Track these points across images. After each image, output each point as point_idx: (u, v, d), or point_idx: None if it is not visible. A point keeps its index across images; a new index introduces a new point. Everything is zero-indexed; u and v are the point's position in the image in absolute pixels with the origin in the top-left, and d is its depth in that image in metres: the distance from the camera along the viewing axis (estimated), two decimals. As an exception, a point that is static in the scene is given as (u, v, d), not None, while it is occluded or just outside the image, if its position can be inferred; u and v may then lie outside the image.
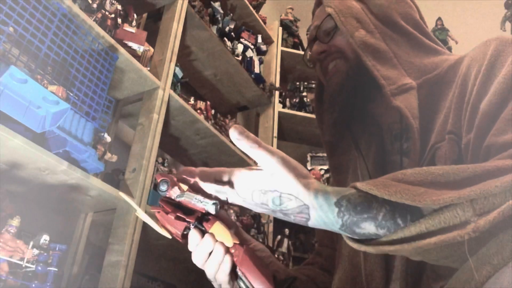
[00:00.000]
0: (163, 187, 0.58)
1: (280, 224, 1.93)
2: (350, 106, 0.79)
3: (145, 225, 1.16)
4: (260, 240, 1.78)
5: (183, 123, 1.55)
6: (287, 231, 1.98)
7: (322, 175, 2.28)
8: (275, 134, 2.12)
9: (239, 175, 0.54)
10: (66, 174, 1.00)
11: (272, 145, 2.07)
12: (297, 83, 2.39)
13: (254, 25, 2.18)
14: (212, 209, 0.55)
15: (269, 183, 0.52)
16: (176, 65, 1.48)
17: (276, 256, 1.90)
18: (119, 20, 1.29)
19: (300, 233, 2.17)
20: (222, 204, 0.58)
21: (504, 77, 0.59)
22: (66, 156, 0.99)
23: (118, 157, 1.17)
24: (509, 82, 0.58)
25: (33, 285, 0.87)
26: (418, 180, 0.47)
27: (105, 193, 1.11)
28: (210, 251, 0.57)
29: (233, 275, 0.57)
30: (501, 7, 2.06)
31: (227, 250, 0.56)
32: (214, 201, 0.56)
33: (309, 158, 2.38)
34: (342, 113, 0.79)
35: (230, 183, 0.55)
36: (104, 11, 1.24)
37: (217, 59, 1.90)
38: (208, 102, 1.72)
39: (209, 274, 0.59)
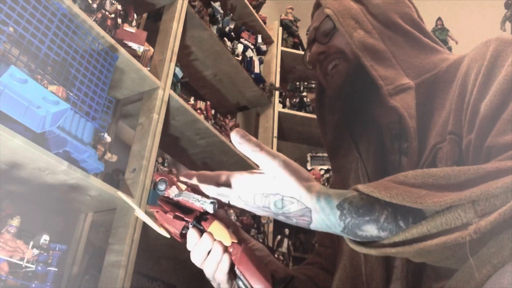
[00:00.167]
0: (161, 187, 0.58)
1: (280, 224, 1.93)
2: (350, 108, 0.79)
3: (145, 225, 1.16)
4: (260, 240, 1.78)
5: (183, 123, 1.55)
6: (287, 231, 1.98)
7: (322, 175, 2.28)
8: (275, 134, 2.12)
9: (240, 178, 0.54)
10: (66, 174, 1.00)
11: (272, 145, 2.07)
12: (297, 83, 2.39)
13: (254, 25, 2.18)
14: (210, 208, 0.56)
15: (271, 186, 0.52)
16: (176, 65, 1.48)
17: (276, 256, 1.90)
18: (119, 20, 1.29)
19: (300, 233, 2.17)
20: (222, 206, 0.58)
21: (504, 78, 0.59)
22: (66, 156, 0.99)
23: (118, 157, 1.17)
24: (510, 83, 0.58)
25: (33, 285, 0.87)
26: (419, 182, 0.48)
27: (105, 193, 1.11)
28: (208, 250, 0.57)
29: (232, 274, 0.57)
30: (501, 7, 2.06)
31: (225, 249, 0.57)
32: (212, 200, 0.56)
33: (309, 158, 2.38)
34: (343, 114, 0.80)
35: (231, 186, 0.55)
36: (104, 11, 1.24)
37: (217, 59, 1.90)
38: (208, 102, 1.72)
39: (208, 273, 0.59)
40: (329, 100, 0.81)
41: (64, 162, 0.97)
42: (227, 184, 0.55)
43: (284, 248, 1.95)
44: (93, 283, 1.25)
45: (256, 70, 2.06)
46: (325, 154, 2.30)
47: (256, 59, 2.08)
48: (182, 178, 0.59)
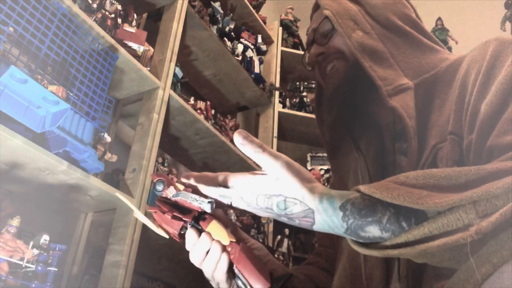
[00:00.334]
0: (159, 187, 0.59)
1: (280, 224, 1.93)
2: (349, 107, 0.79)
3: (145, 225, 1.16)
4: (260, 240, 1.78)
5: (183, 123, 1.55)
6: (287, 231, 1.98)
7: (322, 175, 2.28)
8: (275, 134, 2.12)
9: (243, 179, 0.54)
10: (66, 174, 1.00)
11: (272, 145, 2.07)
12: (297, 83, 2.39)
13: (254, 25, 2.18)
14: (207, 208, 0.56)
15: (273, 187, 0.52)
16: (176, 65, 1.48)
17: (276, 256, 1.90)
18: (119, 20, 1.29)
19: (300, 233, 2.17)
20: (224, 207, 0.58)
21: (504, 78, 0.59)
22: (66, 156, 0.99)
23: (118, 157, 1.17)
24: (510, 83, 0.58)
25: (33, 285, 0.87)
26: (420, 183, 0.48)
27: (105, 193, 1.11)
28: (207, 250, 0.57)
29: (231, 273, 0.58)
30: (501, 7, 2.06)
31: (224, 248, 0.57)
32: (210, 200, 0.56)
33: (309, 158, 2.38)
34: (341, 114, 0.80)
35: (234, 188, 0.55)
36: (104, 11, 1.24)
37: (217, 59, 1.90)
38: (208, 102, 1.72)
39: (207, 273, 0.59)
40: (327, 100, 0.81)
41: (64, 162, 0.97)
42: (229, 185, 0.55)
43: (284, 248, 1.95)
44: (93, 283, 1.25)
45: (256, 70, 2.06)
46: (325, 154, 2.30)
47: (256, 59, 2.08)
48: (183, 180, 0.59)
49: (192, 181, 0.58)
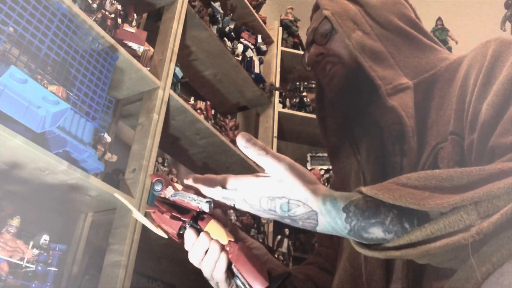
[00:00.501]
0: (157, 187, 0.59)
1: (280, 224, 1.93)
2: (350, 109, 0.80)
3: (145, 225, 1.16)
4: (260, 240, 1.78)
5: (183, 123, 1.55)
6: (287, 231, 1.98)
7: (322, 175, 2.28)
8: (275, 134, 2.12)
9: (246, 182, 0.54)
10: (66, 174, 1.00)
11: (272, 145, 2.07)
12: (297, 83, 2.39)
13: (254, 25, 2.18)
14: (205, 207, 0.56)
15: (277, 189, 0.52)
16: (176, 65, 1.48)
17: (276, 256, 1.90)
18: (119, 20, 1.29)
19: (300, 233, 2.17)
20: (226, 209, 0.58)
21: (505, 78, 0.59)
22: (66, 156, 0.99)
23: (118, 157, 1.17)
24: (511, 83, 0.58)
25: (33, 285, 0.87)
26: (422, 184, 0.48)
27: (105, 193, 1.11)
28: (206, 250, 0.57)
29: (230, 272, 0.58)
30: (501, 7, 2.06)
31: (223, 247, 0.57)
32: (208, 199, 0.56)
33: (309, 158, 2.38)
34: (344, 118, 0.80)
35: (237, 190, 0.55)
36: (104, 11, 1.24)
37: (217, 59, 1.90)
38: (208, 102, 1.72)
39: (206, 273, 0.59)
40: (329, 102, 0.81)
41: (64, 162, 0.97)
42: (232, 188, 0.55)
43: (284, 248, 1.95)
44: (93, 283, 1.25)
45: (256, 70, 2.06)
46: (325, 154, 2.30)
47: (256, 59, 2.08)
48: (186, 182, 0.59)
49: (194, 183, 0.58)
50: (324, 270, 0.84)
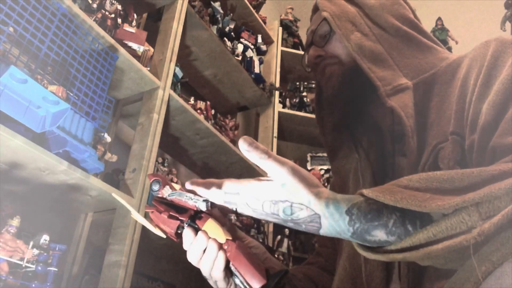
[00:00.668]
0: (155, 187, 0.59)
1: (280, 225, 1.92)
2: (349, 109, 0.79)
3: (144, 225, 1.16)
4: (260, 240, 1.78)
5: (183, 123, 1.55)
6: (287, 231, 1.98)
7: (322, 175, 2.28)
8: (275, 134, 2.12)
9: (248, 185, 0.54)
10: (66, 174, 1.00)
11: (272, 145, 2.07)
12: (297, 83, 2.39)
13: (254, 25, 2.18)
14: (203, 206, 0.56)
15: (279, 193, 0.52)
16: (176, 65, 1.48)
17: (276, 256, 1.90)
18: (119, 20, 1.29)
19: (300, 233, 2.17)
20: (228, 212, 0.58)
21: (506, 78, 0.59)
22: (66, 156, 0.99)
23: (118, 157, 1.17)
24: (511, 83, 0.58)
25: (33, 285, 0.87)
26: (423, 186, 0.48)
27: (105, 193, 1.11)
28: (204, 249, 0.57)
29: (228, 271, 0.58)
30: (501, 7, 2.06)
31: (220, 246, 0.57)
32: (205, 198, 0.56)
33: (309, 158, 2.38)
34: (341, 116, 0.80)
35: (239, 194, 0.55)
36: (104, 11, 1.25)
37: (217, 59, 1.90)
38: (208, 102, 1.72)
39: (204, 272, 0.59)
40: (326, 101, 0.82)
41: (64, 162, 0.97)
42: (234, 192, 0.55)
43: (284, 248, 1.95)
44: (93, 283, 1.25)
45: (256, 70, 2.06)
46: (325, 154, 2.30)
47: (256, 59, 2.08)
48: (188, 186, 0.59)
49: (196, 187, 0.58)
50: (324, 270, 0.84)
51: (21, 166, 0.97)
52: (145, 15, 1.68)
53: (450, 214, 0.44)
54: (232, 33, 1.94)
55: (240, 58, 1.97)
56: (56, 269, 0.91)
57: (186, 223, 0.57)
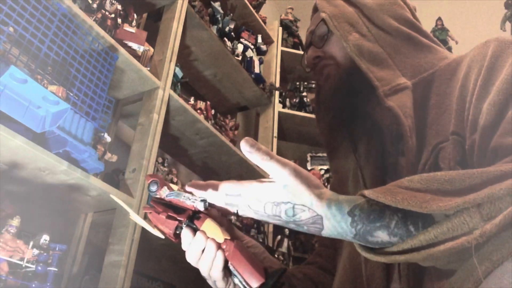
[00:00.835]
0: (153, 188, 0.59)
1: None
2: (347, 109, 0.79)
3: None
4: (260, 240, 1.78)
5: (183, 123, 1.55)
6: (287, 231, 1.98)
7: (322, 175, 2.28)
8: (275, 134, 2.12)
9: (250, 187, 0.54)
10: (66, 174, 1.00)
11: (272, 145, 2.07)
12: (297, 83, 2.39)
13: (254, 25, 2.18)
14: (200, 206, 0.57)
15: (281, 195, 0.52)
16: (176, 65, 1.48)
17: (276, 256, 1.90)
18: (119, 20, 1.29)
19: (300, 233, 2.16)
20: (229, 214, 0.58)
21: (506, 78, 0.59)
22: (66, 156, 0.99)
23: (118, 157, 1.17)
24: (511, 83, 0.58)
25: (33, 285, 0.87)
26: (424, 186, 0.48)
27: (105, 193, 1.11)
28: (202, 249, 0.57)
29: (227, 271, 0.58)
30: (501, 7, 2.06)
31: (219, 246, 0.57)
32: (203, 198, 0.56)
33: (309, 158, 2.38)
34: (338, 116, 0.80)
35: (241, 196, 0.55)
36: (104, 11, 1.25)
37: (217, 59, 1.90)
38: (208, 102, 1.72)
39: (203, 272, 0.59)
40: (324, 102, 0.82)
41: (64, 162, 0.97)
42: (236, 193, 0.55)
43: (284, 248, 1.95)
44: (93, 283, 1.25)
45: (256, 70, 2.06)
46: (325, 154, 2.30)
47: (256, 59, 2.08)
48: (188, 188, 0.59)
49: (197, 189, 0.58)
50: (324, 270, 0.84)
51: (21, 166, 0.97)
52: (145, 15, 1.68)
53: (451, 215, 0.44)
54: (232, 33, 1.94)
55: (240, 58, 1.97)
56: (56, 269, 0.91)
57: (185, 224, 0.58)
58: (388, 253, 0.49)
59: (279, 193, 0.52)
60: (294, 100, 2.35)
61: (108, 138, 1.14)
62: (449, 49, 2.43)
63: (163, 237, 0.59)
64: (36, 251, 0.89)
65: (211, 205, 0.58)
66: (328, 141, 0.86)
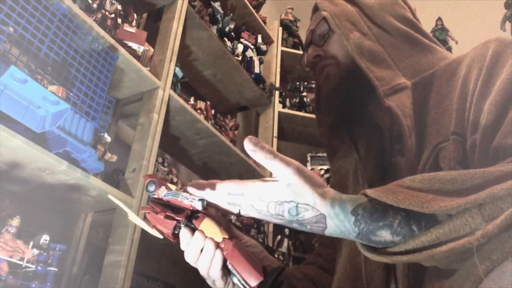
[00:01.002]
0: (150, 188, 0.59)
1: (280, 224, 1.92)
2: (347, 109, 0.79)
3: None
4: (260, 240, 1.78)
5: (183, 123, 1.55)
6: (287, 231, 1.98)
7: (322, 175, 2.28)
8: (275, 134, 2.12)
9: (253, 187, 0.54)
10: (66, 174, 1.00)
11: (272, 145, 2.07)
12: (297, 83, 2.39)
13: (254, 25, 2.18)
14: (199, 205, 0.57)
15: (285, 193, 0.52)
16: (176, 65, 1.48)
17: (276, 256, 1.90)
18: (119, 20, 1.29)
19: (300, 233, 2.16)
20: (231, 214, 0.58)
21: (507, 78, 0.59)
22: (66, 156, 0.99)
23: (118, 157, 1.17)
24: None
25: (33, 285, 0.87)
26: (426, 186, 0.48)
27: (105, 193, 1.10)
28: (201, 248, 0.57)
29: (226, 270, 0.58)
30: (501, 7, 2.06)
31: (217, 245, 0.57)
32: (201, 197, 0.56)
33: (309, 158, 2.38)
34: (338, 116, 0.80)
35: (244, 195, 0.55)
36: (104, 11, 1.24)
37: (217, 59, 1.90)
38: (208, 102, 1.72)
39: (202, 271, 0.59)
40: (324, 102, 0.82)
41: (64, 162, 0.97)
42: (239, 193, 0.55)
43: (284, 248, 1.95)
44: (93, 283, 1.25)
45: (256, 70, 2.06)
46: (325, 154, 2.30)
47: (256, 59, 2.08)
48: (189, 188, 0.59)
49: (198, 189, 0.58)
50: (324, 270, 0.84)
51: (21, 166, 0.97)
52: (145, 15, 1.68)
53: (453, 216, 0.44)
54: (232, 33, 1.94)
55: (240, 58, 1.97)
56: (56, 269, 0.91)
57: (183, 223, 0.58)
58: (390, 253, 0.49)
59: (283, 192, 0.52)
60: (294, 100, 2.35)
61: (108, 138, 1.14)
62: (449, 49, 2.43)
63: (161, 237, 0.59)
64: (36, 251, 0.89)
65: (209, 204, 0.57)
66: (328, 141, 0.86)
